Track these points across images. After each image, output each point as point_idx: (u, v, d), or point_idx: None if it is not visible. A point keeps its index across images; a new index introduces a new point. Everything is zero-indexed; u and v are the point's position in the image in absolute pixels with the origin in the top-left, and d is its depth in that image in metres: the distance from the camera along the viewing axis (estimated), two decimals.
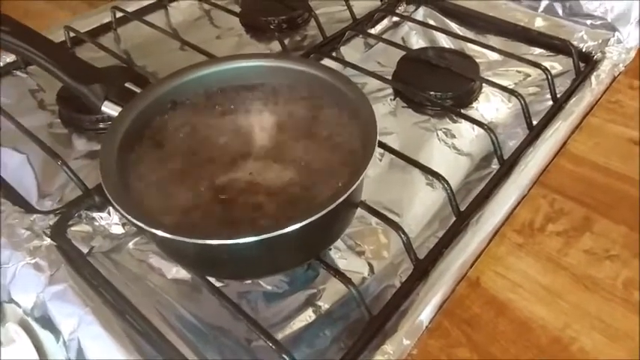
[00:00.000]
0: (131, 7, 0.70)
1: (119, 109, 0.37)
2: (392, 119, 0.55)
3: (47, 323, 0.37)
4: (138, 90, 0.38)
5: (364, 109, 0.36)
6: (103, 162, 0.33)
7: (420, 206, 0.47)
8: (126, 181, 0.34)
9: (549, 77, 0.55)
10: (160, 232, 0.29)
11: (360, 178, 0.31)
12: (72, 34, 0.64)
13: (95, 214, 0.44)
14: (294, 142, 0.37)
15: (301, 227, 0.29)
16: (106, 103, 0.37)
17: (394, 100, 0.57)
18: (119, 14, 0.68)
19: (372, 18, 0.68)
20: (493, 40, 0.65)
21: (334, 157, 0.36)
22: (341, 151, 0.36)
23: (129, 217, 0.30)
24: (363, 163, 0.32)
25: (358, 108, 0.37)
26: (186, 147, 0.37)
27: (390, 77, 0.58)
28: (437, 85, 0.56)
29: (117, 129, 0.35)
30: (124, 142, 0.35)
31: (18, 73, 0.62)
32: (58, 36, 0.64)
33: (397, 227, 0.40)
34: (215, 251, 0.31)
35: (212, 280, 0.38)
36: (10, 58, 0.62)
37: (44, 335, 0.37)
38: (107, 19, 0.69)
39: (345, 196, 0.30)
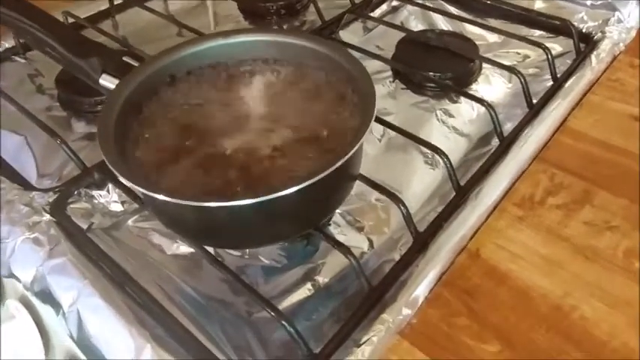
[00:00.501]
0: None
1: (117, 81, 0.37)
2: (391, 100, 0.55)
3: (47, 297, 0.37)
4: (136, 63, 0.38)
5: (362, 79, 0.36)
6: (100, 131, 0.33)
7: (420, 184, 0.46)
8: (123, 151, 0.34)
9: (549, 56, 0.55)
10: (159, 196, 0.29)
11: (360, 143, 0.31)
12: (71, 20, 0.64)
13: (94, 192, 0.44)
14: (292, 112, 0.37)
15: (299, 191, 0.29)
16: (103, 76, 0.37)
17: (393, 81, 0.57)
18: (118, 0, 0.68)
19: (371, 2, 0.68)
20: (493, 22, 0.65)
21: (334, 127, 0.36)
22: (340, 122, 0.36)
23: (127, 181, 0.30)
24: (361, 129, 0.32)
25: (357, 79, 0.37)
26: (185, 119, 0.37)
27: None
28: (436, 65, 0.56)
29: (115, 101, 0.35)
30: (122, 114, 0.35)
31: (17, 58, 0.62)
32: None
33: (397, 200, 0.39)
34: (213, 216, 0.31)
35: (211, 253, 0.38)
36: (8, 43, 0.62)
37: (44, 310, 0.37)
38: (106, 6, 0.69)
39: (344, 160, 0.30)
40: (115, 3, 0.69)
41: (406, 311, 0.35)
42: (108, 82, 0.37)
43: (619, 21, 0.60)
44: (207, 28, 0.67)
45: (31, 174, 0.47)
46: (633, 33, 0.59)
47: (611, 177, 0.43)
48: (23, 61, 0.62)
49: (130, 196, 0.42)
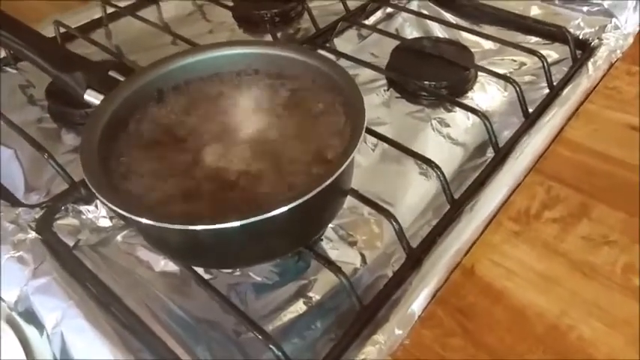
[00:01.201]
0: (123, 2, 0.69)
1: (102, 97, 0.36)
2: (385, 110, 0.54)
3: (31, 317, 0.36)
4: (121, 78, 0.37)
5: (352, 92, 0.35)
6: (83, 150, 0.32)
7: (414, 196, 0.46)
8: (108, 169, 0.33)
9: (545, 64, 0.54)
10: (143, 220, 0.28)
11: (349, 159, 0.30)
12: (62, 30, 0.63)
13: (82, 208, 0.43)
14: (280, 126, 0.36)
15: (288, 211, 0.28)
16: (88, 91, 0.37)
17: (388, 90, 0.57)
18: (110, 9, 0.68)
19: (366, 9, 0.67)
20: (488, 29, 0.64)
21: (323, 142, 0.35)
22: (330, 136, 0.35)
23: (110, 204, 0.29)
24: (351, 144, 0.31)
25: (346, 92, 0.36)
26: (170, 135, 0.36)
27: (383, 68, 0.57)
28: (431, 74, 0.55)
29: (99, 117, 0.35)
30: (107, 131, 0.34)
31: (7, 69, 0.61)
32: (48, 32, 0.63)
33: (389, 215, 0.39)
34: (200, 238, 0.30)
35: (200, 272, 0.38)
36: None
37: (29, 331, 0.36)
38: (98, 15, 0.68)
39: (333, 178, 0.29)
40: (108, 12, 0.68)
41: (398, 331, 0.34)
42: (93, 97, 0.37)
43: (616, 27, 0.59)
44: (202, 36, 0.66)
45: (19, 188, 0.46)
46: (631, 39, 0.58)
47: (608, 189, 0.43)
48: (14, 71, 0.61)
49: (116, 214, 0.41)
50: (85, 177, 0.30)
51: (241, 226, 0.28)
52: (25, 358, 0.36)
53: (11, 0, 0.70)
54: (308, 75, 0.39)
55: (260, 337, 0.32)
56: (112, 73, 0.37)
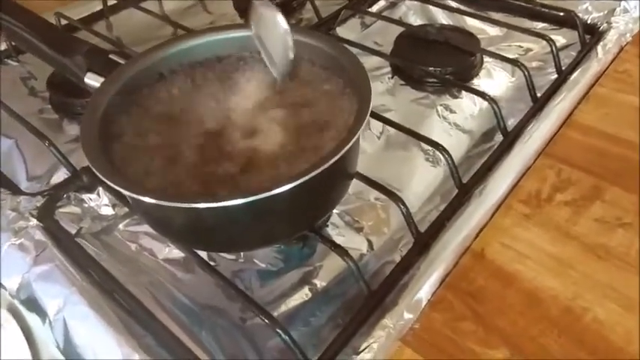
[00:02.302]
0: None
1: (102, 80, 0.35)
2: (390, 97, 0.54)
3: (33, 305, 0.35)
4: (122, 61, 0.36)
5: (357, 72, 0.34)
6: (84, 132, 0.31)
7: (421, 182, 0.45)
8: (109, 151, 0.32)
9: (554, 48, 0.53)
10: (145, 198, 0.27)
11: (355, 137, 0.29)
12: (64, 22, 0.63)
13: (84, 196, 0.43)
14: (286, 108, 0.36)
15: (293, 190, 0.27)
16: (88, 74, 0.36)
17: (392, 78, 0.56)
18: (111, 1, 0.67)
19: None
20: (494, 15, 0.63)
21: (328, 122, 0.34)
22: (335, 116, 0.34)
23: (112, 184, 0.28)
24: (357, 123, 0.30)
25: (352, 73, 0.35)
26: (171, 117, 0.36)
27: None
28: (436, 60, 0.54)
29: (99, 100, 0.34)
30: (108, 113, 0.34)
31: (9, 61, 0.61)
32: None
33: (396, 198, 0.38)
34: (203, 218, 0.30)
35: (204, 258, 0.37)
36: (1, 46, 0.61)
37: (31, 319, 0.36)
38: (99, 7, 0.68)
39: (337, 158, 0.28)
40: (109, 4, 0.67)
41: (408, 315, 0.33)
42: (93, 80, 0.36)
43: (625, 11, 0.58)
44: (203, 27, 0.66)
45: (21, 177, 0.46)
46: None
47: (621, 172, 0.42)
48: (16, 63, 0.61)
49: (121, 200, 0.41)
50: (88, 159, 0.29)
51: (245, 204, 0.27)
52: (27, 346, 0.36)
53: None
54: (313, 56, 0.38)
55: (267, 321, 0.31)
56: (112, 57, 0.36)
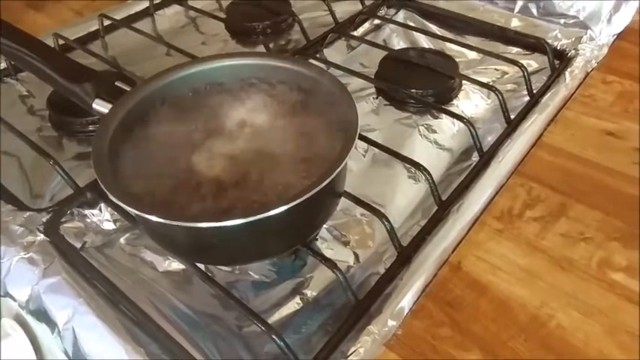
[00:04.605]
0: (118, 15, 0.71)
1: (110, 106, 0.38)
2: (374, 117, 0.57)
3: (42, 315, 0.38)
4: (128, 88, 0.39)
5: (344, 100, 0.38)
6: (95, 154, 0.34)
7: (403, 199, 0.48)
8: (116, 172, 0.35)
9: (526, 73, 0.57)
10: (151, 217, 0.30)
11: (344, 162, 0.32)
12: (61, 42, 0.65)
13: (87, 212, 0.45)
14: (279, 133, 0.39)
15: (288, 210, 0.31)
16: (97, 100, 0.39)
17: (377, 98, 0.59)
18: (107, 22, 0.70)
19: (354, 21, 0.70)
20: (471, 40, 0.67)
21: (318, 147, 0.37)
22: (325, 141, 0.38)
23: (120, 202, 0.31)
24: (345, 148, 0.33)
25: (339, 100, 0.38)
26: (173, 139, 0.38)
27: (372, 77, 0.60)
28: (418, 82, 0.58)
29: (108, 124, 0.37)
30: (115, 137, 0.37)
31: (8, 80, 0.63)
32: (47, 44, 0.64)
33: (381, 215, 0.41)
34: (204, 235, 0.32)
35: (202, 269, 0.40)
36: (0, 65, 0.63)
37: (39, 329, 0.38)
38: (95, 27, 0.70)
39: (330, 179, 0.31)
40: (104, 24, 0.70)
41: (391, 323, 0.36)
42: (101, 106, 0.39)
43: (591, 39, 0.63)
44: (195, 47, 0.68)
45: (24, 195, 0.48)
46: (605, 50, 0.61)
47: (586, 190, 0.45)
48: (14, 82, 0.63)
49: (122, 215, 0.43)
50: (98, 179, 0.32)
51: (244, 224, 0.30)
52: (34, 354, 0.38)
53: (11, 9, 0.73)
54: (302, 84, 0.41)
55: (262, 328, 0.34)
56: (118, 84, 0.39)
